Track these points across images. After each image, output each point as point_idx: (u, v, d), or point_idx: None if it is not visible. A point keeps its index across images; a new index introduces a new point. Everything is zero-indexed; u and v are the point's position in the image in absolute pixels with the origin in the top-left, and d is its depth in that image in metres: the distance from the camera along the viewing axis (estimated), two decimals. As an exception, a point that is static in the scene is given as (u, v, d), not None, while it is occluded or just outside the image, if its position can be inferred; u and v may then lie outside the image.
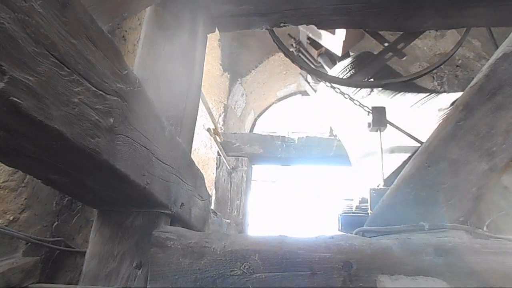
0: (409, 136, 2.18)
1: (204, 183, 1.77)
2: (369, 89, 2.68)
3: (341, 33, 2.67)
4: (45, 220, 1.49)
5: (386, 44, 2.42)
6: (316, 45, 3.19)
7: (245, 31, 3.70)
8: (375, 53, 2.69)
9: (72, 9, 0.76)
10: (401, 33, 2.34)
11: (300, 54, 3.36)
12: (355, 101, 2.39)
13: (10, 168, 1.34)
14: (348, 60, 2.89)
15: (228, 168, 3.95)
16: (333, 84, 2.43)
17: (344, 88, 2.50)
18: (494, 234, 1.27)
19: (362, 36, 2.79)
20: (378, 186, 1.98)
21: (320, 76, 2.45)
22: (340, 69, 2.87)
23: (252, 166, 4.20)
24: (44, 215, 1.49)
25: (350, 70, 2.81)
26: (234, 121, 4.79)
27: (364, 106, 2.36)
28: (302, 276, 1.12)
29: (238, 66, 4.59)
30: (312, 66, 3.29)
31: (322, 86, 3.22)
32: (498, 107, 1.20)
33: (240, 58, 4.57)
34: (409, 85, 2.66)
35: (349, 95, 2.44)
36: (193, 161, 1.60)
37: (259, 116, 5.64)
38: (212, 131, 3.35)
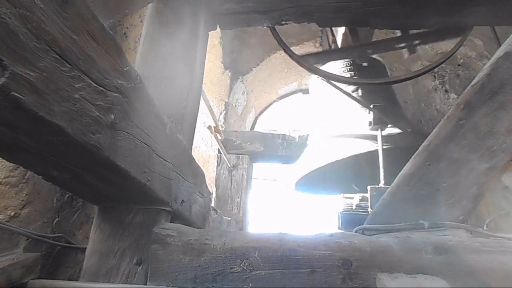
0: (409, 134, 2.18)
1: (205, 181, 1.77)
2: (354, 90, 2.69)
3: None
4: (46, 216, 1.49)
5: (357, 43, 2.43)
6: (332, 32, 3.19)
7: (246, 29, 3.70)
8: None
9: (73, 4, 0.76)
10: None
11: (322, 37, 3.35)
12: (353, 97, 2.41)
13: (11, 164, 1.34)
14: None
15: (229, 166, 3.95)
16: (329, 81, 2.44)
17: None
18: (494, 233, 1.27)
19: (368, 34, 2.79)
20: (378, 185, 1.98)
21: (319, 73, 2.44)
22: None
23: (253, 164, 4.20)
24: (45, 211, 1.49)
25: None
26: (235, 119, 4.79)
27: (361, 101, 2.38)
28: (301, 274, 1.12)
29: (239, 64, 4.59)
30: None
31: (312, 84, 3.22)
32: (499, 106, 1.19)
33: (241, 56, 4.56)
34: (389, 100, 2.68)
35: (343, 90, 2.46)
36: (193, 159, 1.60)
37: (260, 114, 5.63)
38: (213, 128, 3.34)
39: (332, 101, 2.77)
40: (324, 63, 2.76)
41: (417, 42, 2.25)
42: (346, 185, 2.96)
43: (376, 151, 2.18)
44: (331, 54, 2.64)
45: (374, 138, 2.27)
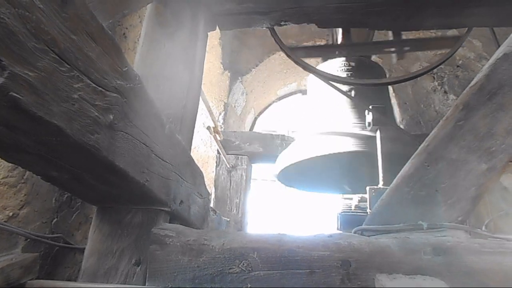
0: (407, 135, 2.18)
1: (204, 181, 1.77)
2: (348, 90, 2.70)
3: None
4: (45, 217, 1.49)
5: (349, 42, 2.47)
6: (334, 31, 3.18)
7: (245, 30, 3.70)
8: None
9: (72, 5, 0.76)
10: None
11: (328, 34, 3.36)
12: (349, 96, 2.42)
13: (10, 164, 1.34)
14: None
15: (228, 166, 3.95)
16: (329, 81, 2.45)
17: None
18: (493, 233, 1.27)
19: (369, 34, 2.80)
20: (377, 186, 1.98)
21: (317, 73, 2.44)
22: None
23: (252, 164, 4.20)
24: (44, 212, 1.49)
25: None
26: (234, 120, 4.79)
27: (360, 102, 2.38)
28: (300, 274, 1.12)
29: (239, 65, 4.59)
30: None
31: (310, 83, 3.21)
32: (498, 107, 1.20)
33: (241, 57, 4.56)
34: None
35: (340, 89, 2.46)
36: (192, 159, 1.60)
37: (259, 114, 5.63)
38: (212, 129, 3.34)
39: (324, 99, 2.79)
40: (313, 57, 2.76)
41: (407, 48, 2.27)
42: (337, 184, 2.97)
43: (360, 151, 2.18)
44: (321, 49, 2.64)
45: (361, 138, 2.27)
